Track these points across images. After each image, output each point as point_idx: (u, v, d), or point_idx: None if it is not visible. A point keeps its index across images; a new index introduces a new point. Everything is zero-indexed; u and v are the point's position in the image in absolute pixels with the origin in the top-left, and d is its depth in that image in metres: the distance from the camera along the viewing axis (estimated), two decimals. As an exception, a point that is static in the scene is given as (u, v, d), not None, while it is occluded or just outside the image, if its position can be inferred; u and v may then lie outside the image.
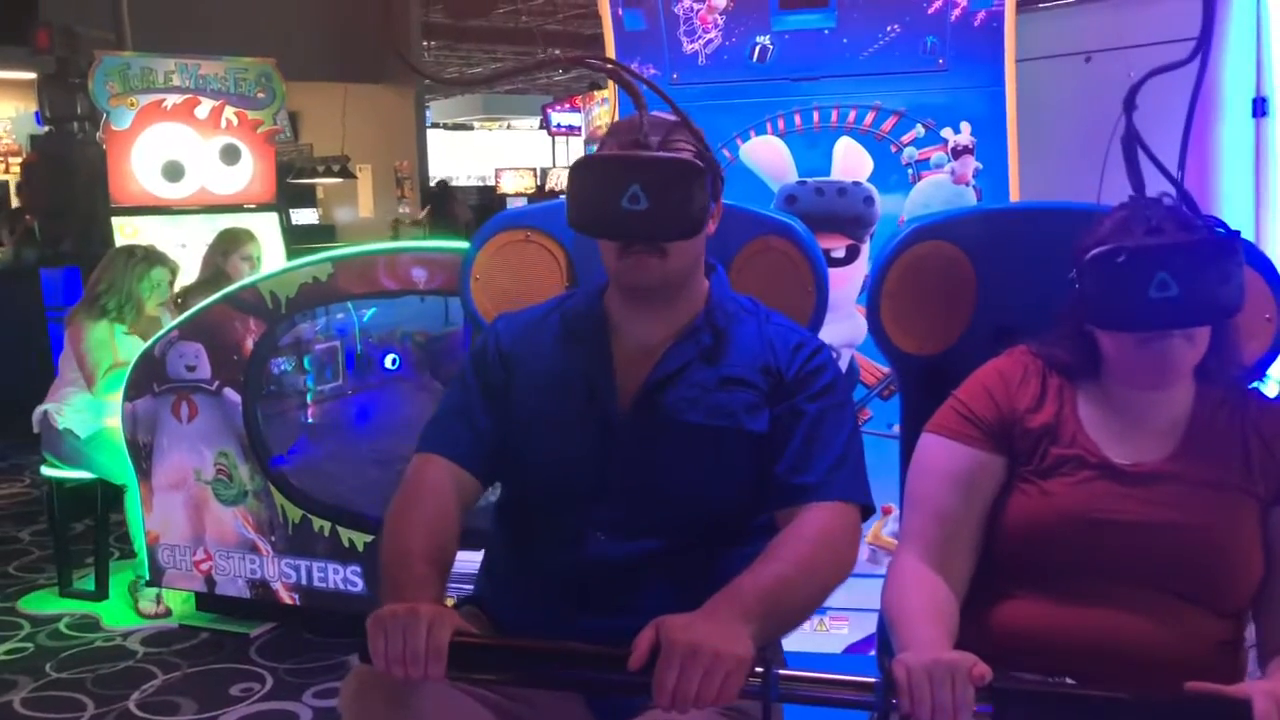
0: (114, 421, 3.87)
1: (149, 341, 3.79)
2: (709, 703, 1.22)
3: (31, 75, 7.74)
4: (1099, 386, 1.59)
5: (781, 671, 1.24)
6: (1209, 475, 1.52)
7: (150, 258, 4.18)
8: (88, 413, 4.01)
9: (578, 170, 1.54)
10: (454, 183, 16.99)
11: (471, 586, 1.74)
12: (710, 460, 1.56)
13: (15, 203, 10.84)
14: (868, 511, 1.55)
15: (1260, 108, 3.43)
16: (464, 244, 2.14)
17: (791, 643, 1.64)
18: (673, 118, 1.57)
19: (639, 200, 1.46)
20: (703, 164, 1.52)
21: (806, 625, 2.70)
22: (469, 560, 1.72)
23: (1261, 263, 1.68)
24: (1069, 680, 1.47)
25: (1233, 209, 3.45)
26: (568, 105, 15.76)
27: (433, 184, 13.37)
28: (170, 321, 4.23)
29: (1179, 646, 1.46)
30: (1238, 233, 1.46)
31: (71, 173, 6.29)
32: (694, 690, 1.21)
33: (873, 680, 1.23)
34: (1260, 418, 1.56)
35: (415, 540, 1.48)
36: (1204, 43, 1.59)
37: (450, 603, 1.55)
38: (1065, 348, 1.60)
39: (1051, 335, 1.61)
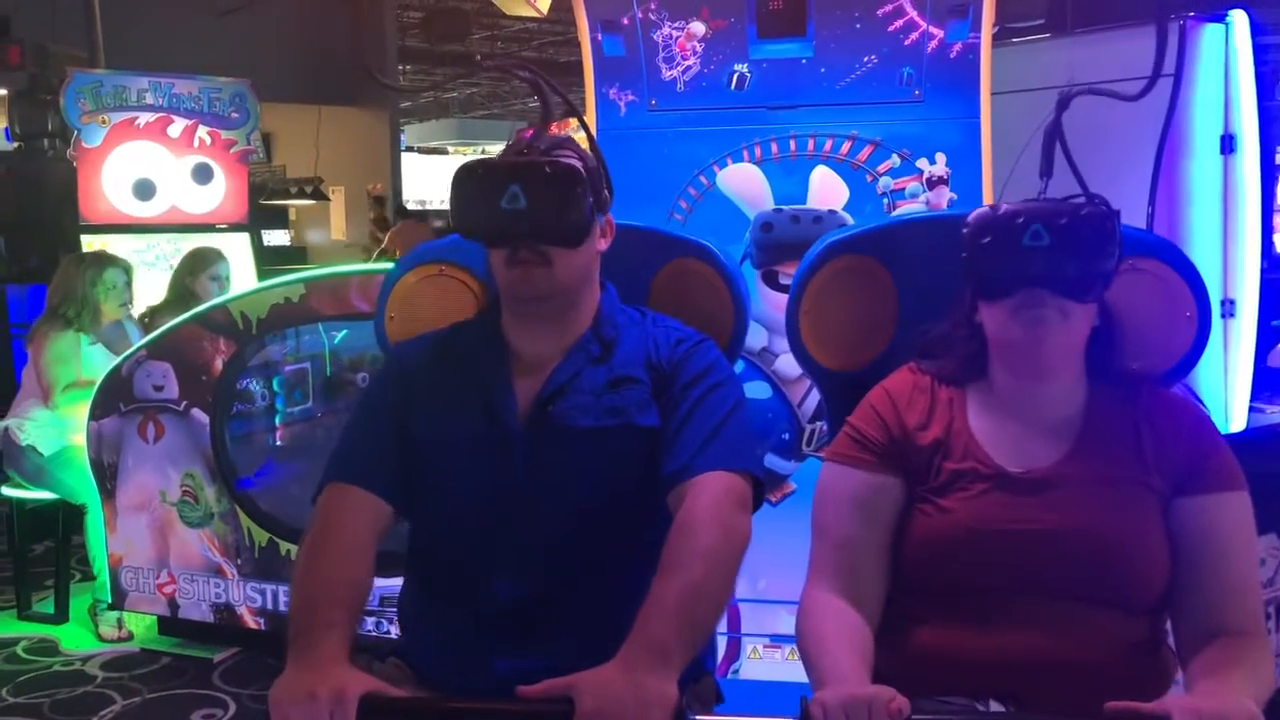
0: (79, 439, 3.82)
1: (118, 357, 3.74)
2: None
3: (2, 91, 7.67)
4: (988, 388, 1.60)
5: (698, 718, 1.25)
6: (1104, 473, 1.52)
7: (101, 260, 4.16)
8: (50, 428, 3.96)
9: (460, 175, 1.56)
10: (428, 205, 16.99)
11: (392, 610, 1.73)
12: (607, 461, 1.58)
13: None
14: (756, 480, 1.54)
15: (1228, 145, 3.48)
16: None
17: (760, 671, 1.64)
18: (565, 136, 1.62)
19: (518, 199, 1.49)
20: (585, 171, 1.54)
21: (776, 654, 2.70)
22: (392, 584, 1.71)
23: (1180, 262, 1.71)
24: (993, 703, 1.47)
25: (1202, 243, 3.49)
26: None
27: (398, 206, 13.32)
28: (134, 327, 4.19)
29: (1096, 652, 1.47)
30: (1117, 211, 1.49)
31: (41, 190, 6.22)
32: None
33: (792, 719, 1.23)
34: (1153, 408, 1.57)
35: (325, 583, 1.46)
36: (1153, 82, 1.66)
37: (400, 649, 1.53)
38: (956, 341, 1.62)
39: (942, 332, 1.64)
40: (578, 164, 1.56)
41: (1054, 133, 1.60)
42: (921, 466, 1.57)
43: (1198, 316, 1.68)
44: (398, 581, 1.76)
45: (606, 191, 1.64)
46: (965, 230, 1.52)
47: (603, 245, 1.66)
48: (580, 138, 1.79)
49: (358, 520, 1.56)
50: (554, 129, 1.65)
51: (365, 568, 1.52)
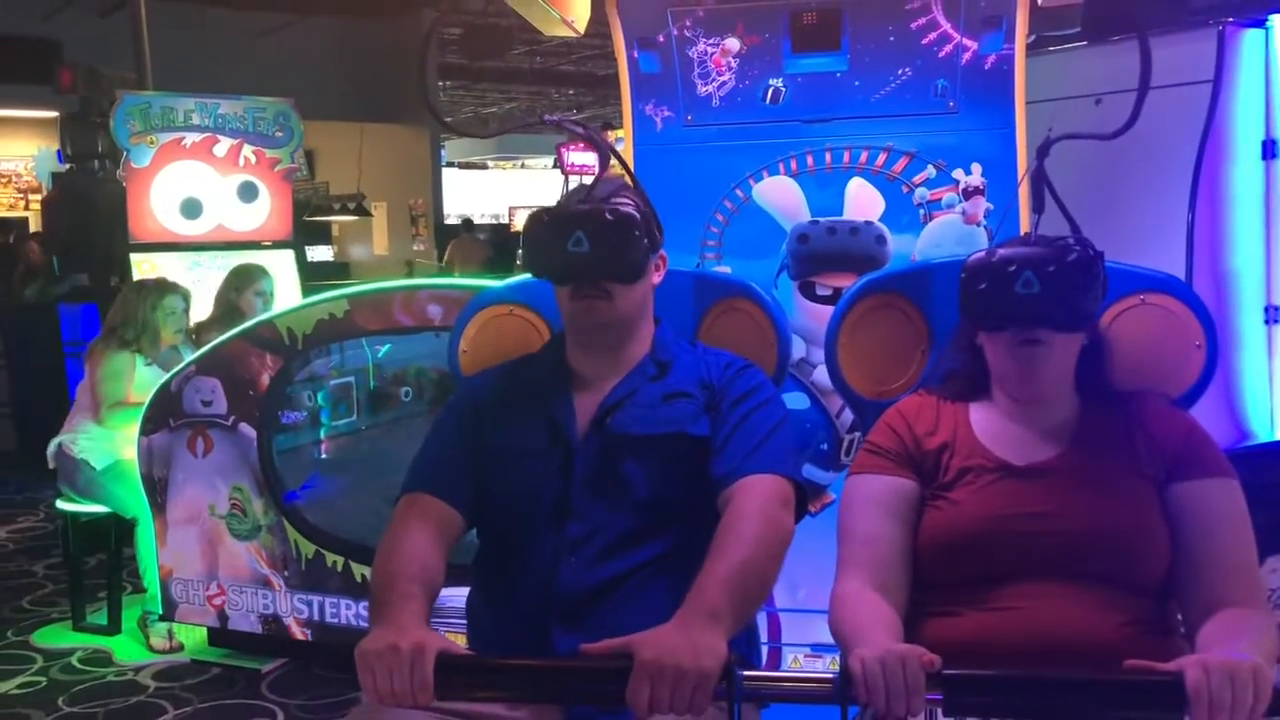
0: (130, 453, 3.90)
1: (170, 373, 3.82)
2: (682, 714, 1.32)
3: (54, 114, 7.85)
4: (990, 403, 1.75)
5: (746, 673, 1.34)
6: (1101, 462, 1.66)
7: (162, 287, 4.26)
8: (103, 443, 4.05)
9: (531, 223, 1.76)
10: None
11: (461, 621, 1.88)
12: (661, 466, 1.73)
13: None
14: (797, 486, 1.68)
15: (1270, 150, 3.45)
16: (479, 282, 2.19)
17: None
18: (622, 180, 1.82)
19: (582, 244, 1.68)
20: (640, 216, 1.72)
21: (818, 664, 2.71)
22: (457, 594, 1.84)
23: (1187, 295, 1.87)
24: None
25: (1244, 250, 3.46)
26: (581, 145, 15.88)
27: (454, 222, 13.47)
28: (189, 351, 4.28)
29: (1108, 630, 1.55)
30: (1100, 253, 1.63)
31: (91, 210, 6.35)
32: (666, 706, 1.31)
33: (831, 675, 1.32)
34: (1141, 410, 1.70)
35: (403, 564, 1.60)
36: (1137, 111, 1.74)
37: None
38: (960, 361, 1.78)
39: (948, 355, 1.83)
40: (634, 211, 1.73)
41: (1039, 177, 1.72)
42: (932, 466, 1.71)
43: (1206, 345, 1.82)
44: (454, 591, 1.82)
45: (657, 231, 1.80)
46: (963, 274, 1.66)
47: (657, 279, 1.83)
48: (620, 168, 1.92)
49: (430, 522, 1.70)
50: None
51: (438, 560, 1.65)
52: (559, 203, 1.79)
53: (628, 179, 1.88)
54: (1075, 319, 1.62)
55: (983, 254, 1.65)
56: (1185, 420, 1.71)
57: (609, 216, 1.69)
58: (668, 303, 1.93)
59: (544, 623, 1.68)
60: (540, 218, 1.75)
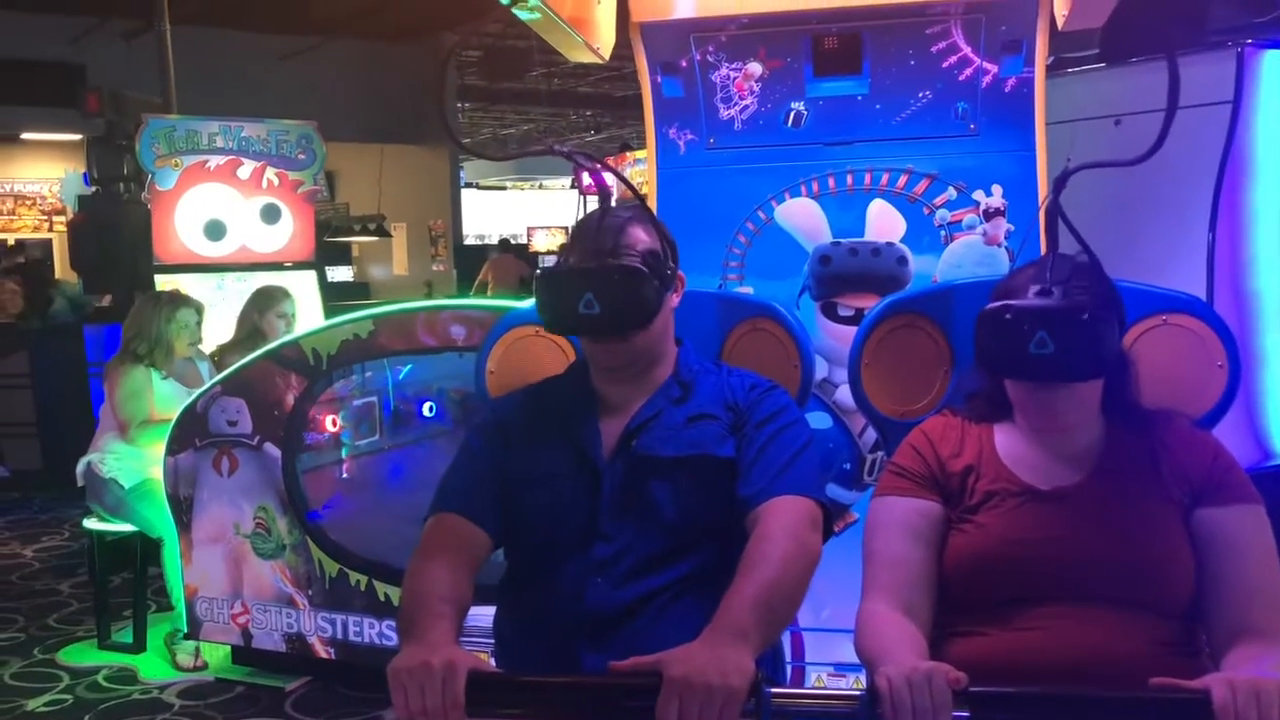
0: (157, 471, 3.93)
1: (189, 394, 3.86)
2: None
3: (80, 137, 7.95)
4: (1013, 427, 1.75)
5: (774, 690, 1.35)
6: (1126, 487, 1.65)
7: (175, 300, 4.30)
8: (130, 461, 4.09)
9: (540, 283, 1.77)
10: (487, 240, 17.18)
11: (486, 640, 1.89)
12: (687, 487, 1.73)
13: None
14: (824, 508, 1.69)
15: (1291, 170, 3.44)
16: (501, 303, 2.22)
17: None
18: (629, 213, 1.80)
19: (593, 306, 1.69)
20: (648, 270, 1.72)
21: (841, 683, 2.71)
22: (483, 614, 1.85)
23: (1209, 315, 1.87)
24: None
25: (1267, 270, 3.46)
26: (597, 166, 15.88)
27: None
28: (204, 364, 4.31)
29: (1133, 650, 1.55)
30: (1118, 298, 1.64)
31: (117, 232, 6.40)
32: None
33: (858, 693, 1.33)
34: (1166, 432, 1.70)
35: (433, 583, 1.61)
36: (1164, 135, 1.67)
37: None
38: (981, 384, 1.78)
39: (969, 377, 1.82)
40: (640, 262, 1.72)
41: (1054, 210, 1.69)
42: (957, 489, 1.71)
43: (1229, 365, 1.83)
44: (479, 610, 1.83)
45: (672, 260, 1.81)
46: (976, 323, 1.64)
47: (675, 300, 1.83)
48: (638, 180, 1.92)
49: (459, 540, 1.72)
50: (614, 162, 1.77)
51: (467, 579, 1.67)
52: (566, 254, 1.79)
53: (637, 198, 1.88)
54: (1094, 369, 1.61)
55: (996, 308, 1.62)
56: (1211, 444, 1.69)
57: (617, 276, 1.70)
58: (691, 323, 1.95)
59: (572, 642, 1.69)
60: (550, 279, 1.76)
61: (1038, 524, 1.64)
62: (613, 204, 1.99)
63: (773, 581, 1.52)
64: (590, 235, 1.75)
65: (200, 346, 4.44)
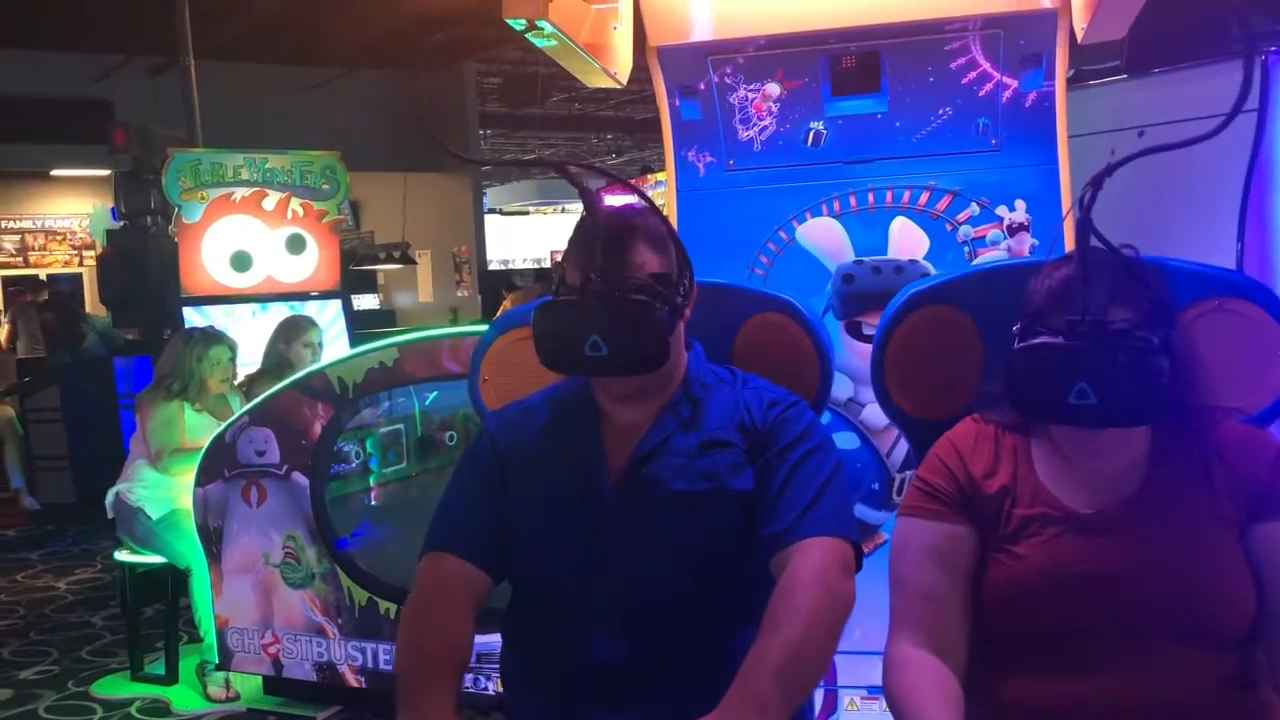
0: (186, 501, 3.95)
1: (220, 425, 3.88)
2: None
3: (108, 172, 8.05)
4: (1049, 436, 1.59)
5: None
6: (1177, 507, 1.51)
7: (208, 338, 4.32)
8: (159, 491, 4.11)
9: (539, 319, 1.59)
10: (511, 265, 17.23)
11: (492, 665, 1.77)
12: (701, 524, 1.60)
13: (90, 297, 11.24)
14: (856, 547, 1.57)
15: (1319, 177, 3.41)
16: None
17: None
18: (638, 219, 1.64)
19: (600, 348, 1.53)
20: (660, 300, 1.57)
21: (874, 706, 2.68)
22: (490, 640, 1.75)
23: (1269, 300, 1.69)
24: None
25: (1296, 278, 3.42)
26: (617, 189, 15.91)
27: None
28: (236, 399, 4.34)
29: (1187, 690, 1.44)
30: (1165, 305, 1.48)
31: (145, 265, 6.47)
32: None
33: None
34: (1220, 439, 1.55)
35: (429, 645, 1.53)
36: (1233, 115, 1.50)
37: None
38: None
39: (1000, 375, 1.58)
40: (649, 296, 1.57)
41: (1085, 223, 1.51)
42: (991, 514, 1.57)
43: None
44: (495, 638, 1.81)
45: (686, 279, 1.66)
46: (1009, 359, 1.50)
47: (687, 313, 1.68)
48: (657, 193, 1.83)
49: (456, 587, 1.61)
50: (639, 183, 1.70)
51: (466, 632, 1.58)
52: (564, 265, 1.64)
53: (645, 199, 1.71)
54: (1145, 415, 1.44)
55: (1026, 351, 1.46)
56: (1270, 448, 1.53)
57: (625, 314, 1.55)
58: (703, 315, 1.77)
59: (580, 701, 1.59)
60: (551, 315, 1.59)
61: (1081, 555, 1.50)
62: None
63: (797, 643, 1.41)
64: (592, 250, 1.57)
65: (235, 381, 4.46)
